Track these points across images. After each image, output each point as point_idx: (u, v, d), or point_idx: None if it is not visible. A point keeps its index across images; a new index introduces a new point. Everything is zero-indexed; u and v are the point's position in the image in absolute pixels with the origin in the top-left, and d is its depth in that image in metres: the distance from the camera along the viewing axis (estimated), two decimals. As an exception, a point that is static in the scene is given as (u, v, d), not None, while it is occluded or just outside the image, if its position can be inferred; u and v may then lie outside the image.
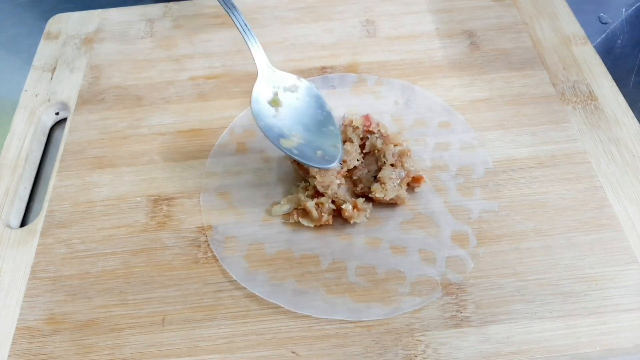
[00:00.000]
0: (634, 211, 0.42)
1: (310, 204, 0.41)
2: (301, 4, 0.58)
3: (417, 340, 0.36)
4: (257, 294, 0.38)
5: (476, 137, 0.46)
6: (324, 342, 0.36)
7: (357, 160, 0.44)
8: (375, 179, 0.42)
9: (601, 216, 0.41)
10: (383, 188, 0.41)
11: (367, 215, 0.41)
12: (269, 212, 0.43)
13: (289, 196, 0.43)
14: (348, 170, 0.43)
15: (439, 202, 0.42)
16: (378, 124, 0.45)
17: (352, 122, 0.46)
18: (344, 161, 0.43)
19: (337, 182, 0.42)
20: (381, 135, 0.44)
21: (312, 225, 0.41)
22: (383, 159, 0.43)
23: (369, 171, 0.43)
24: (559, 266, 0.39)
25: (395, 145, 0.44)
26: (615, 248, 0.40)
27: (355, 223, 0.41)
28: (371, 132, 0.45)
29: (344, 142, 0.44)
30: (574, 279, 0.38)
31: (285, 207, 0.42)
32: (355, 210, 0.41)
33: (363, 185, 0.42)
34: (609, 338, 0.36)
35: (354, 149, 0.44)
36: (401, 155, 0.43)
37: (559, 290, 0.38)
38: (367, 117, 0.46)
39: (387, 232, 0.41)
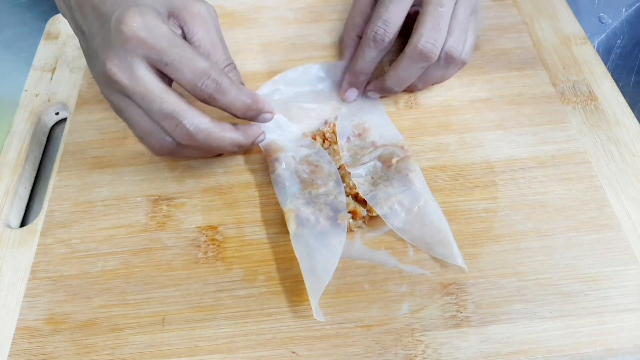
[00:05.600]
0: (634, 211, 0.42)
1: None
2: (301, 4, 0.58)
3: (417, 340, 0.36)
4: (257, 295, 0.38)
5: (476, 137, 0.46)
6: (324, 342, 0.36)
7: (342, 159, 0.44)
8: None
9: (601, 216, 0.41)
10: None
11: (366, 222, 0.41)
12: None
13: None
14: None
15: (438, 202, 0.42)
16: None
17: (334, 125, 0.46)
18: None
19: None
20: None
21: None
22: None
23: (349, 172, 0.43)
24: (559, 266, 0.39)
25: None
26: (615, 248, 0.40)
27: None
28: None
29: (331, 143, 0.45)
30: (573, 278, 0.38)
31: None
32: (354, 218, 0.41)
33: (345, 184, 0.42)
34: (609, 338, 0.36)
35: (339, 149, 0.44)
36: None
37: (559, 290, 0.38)
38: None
39: (387, 232, 0.41)
